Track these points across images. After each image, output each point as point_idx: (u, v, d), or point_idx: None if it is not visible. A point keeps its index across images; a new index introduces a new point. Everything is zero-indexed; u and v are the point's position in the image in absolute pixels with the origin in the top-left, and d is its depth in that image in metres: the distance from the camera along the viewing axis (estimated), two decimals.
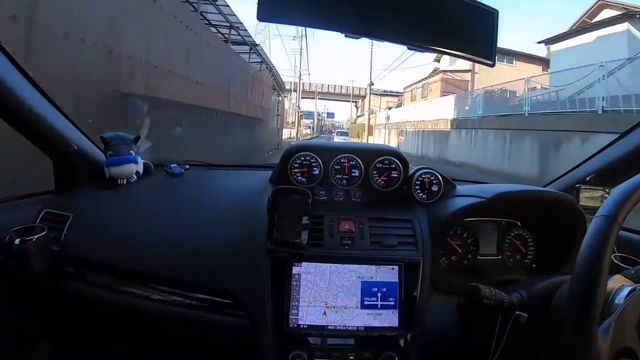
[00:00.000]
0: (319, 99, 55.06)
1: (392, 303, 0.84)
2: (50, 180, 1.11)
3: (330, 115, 74.05)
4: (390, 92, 41.93)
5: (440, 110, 15.74)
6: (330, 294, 0.83)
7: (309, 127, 48.88)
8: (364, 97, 44.96)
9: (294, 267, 0.83)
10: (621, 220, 0.55)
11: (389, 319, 0.83)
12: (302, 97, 48.10)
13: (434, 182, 1.03)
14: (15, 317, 1.01)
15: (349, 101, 56.93)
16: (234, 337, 0.89)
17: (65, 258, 0.96)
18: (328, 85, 52.17)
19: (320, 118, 70.46)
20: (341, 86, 52.61)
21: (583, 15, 14.29)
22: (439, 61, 22.83)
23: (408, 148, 17.71)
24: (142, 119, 4.52)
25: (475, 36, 0.74)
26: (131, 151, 1.15)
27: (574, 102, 8.52)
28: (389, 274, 0.85)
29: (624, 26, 11.50)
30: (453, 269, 0.99)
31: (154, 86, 5.49)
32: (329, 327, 0.82)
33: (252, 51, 12.76)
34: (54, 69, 3.12)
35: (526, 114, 9.88)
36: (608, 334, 0.54)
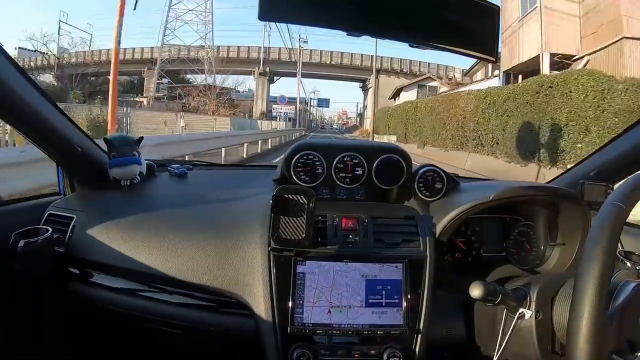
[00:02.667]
0: (305, 74, 35.43)
1: (397, 301, 0.84)
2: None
3: (324, 102, 53.41)
4: None
5: None
6: (334, 294, 0.83)
7: (290, 120, 33.16)
8: (388, 71, 31.44)
9: (298, 266, 0.83)
10: (630, 207, 0.56)
11: (394, 316, 0.83)
12: (280, 72, 35.13)
13: (437, 179, 1.03)
14: (19, 318, 1.01)
15: (354, 79, 38.39)
16: (239, 336, 0.89)
17: (70, 259, 0.97)
18: (320, 52, 33.98)
19: (307, 109, 50.33)
20: (341, 53, 34.31)
21: None
22: None
23: None
24: None
25: (477, 33, 0.74)
26: (134, 152, 1.15)
27: None
28: (393, 272, 0.85)
29: None
30: (457, 266, 0.99)
31: None
32: (334, 326, 0.82)
33: None
34: None
35: None
36: (613, 323, 0.54)
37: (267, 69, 34.76)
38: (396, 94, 27.91)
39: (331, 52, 34.77)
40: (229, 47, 34.47)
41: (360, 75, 36.38)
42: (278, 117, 33.04)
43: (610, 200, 0.56)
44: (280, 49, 34.74)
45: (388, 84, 31.06)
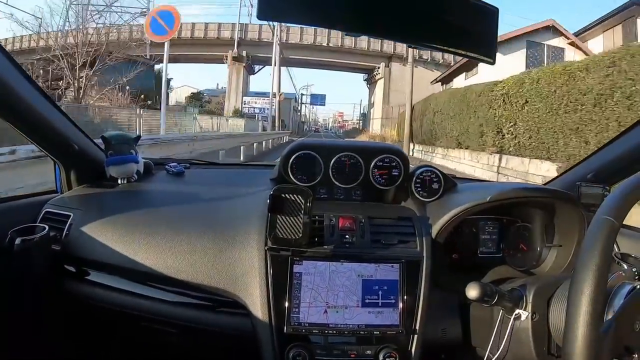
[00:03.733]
0: (294, 60, 26.21)
1: (393, 301, 0.84)
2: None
3: (318, 99, 41.31)
4: None
5: None
6: (330, 294, 0.83)
7: (262, 118, 22.16)
8: (402, 58, 21.66)
9: (294, 266, 0.83)
10: (621, 220, 0.55)
11: (390, 317, 0.83)
12: (262, 58, 24.96)
13: (435, 180, 1.03)
14: (17, 316, 1.01)
15: (357, 68, 29.01)
16: (235, 336, 0.89)
17: (66, 257, 0.96)
18: (315, 32, 24.36)
19: (297, 108, 40.47)
20: (342, 33, 10.68)
21: None
22: None
23: None
24: None
25: (476, 34, 0.74)
26: (132, 150, 1.15)
27: None
28: (389, 272, 0.85)
29: None
30: (454, 267, 0.99)
31: None
32: (330, 326, 0.82)
33: None
34: None
35: None
36: (609, 332, 0.54)
37: (244, 53, 25.65)
38: (461, 70, 15.68)
39: (328, 31, 22.15)
40: (193, 24, 25.36)
41: (367, 62, 26.40)
42: (256, 116, 23.24)
43: (600, 215, 0.56)
44: (261, 26, 24.12)
45: (405, 75, 19.46)
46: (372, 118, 30.95)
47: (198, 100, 25.10)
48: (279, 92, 22.95)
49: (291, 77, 31.62)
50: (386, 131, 22.20)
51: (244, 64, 26.48)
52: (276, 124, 22.29)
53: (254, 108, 26.03)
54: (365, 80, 33.19)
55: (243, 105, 26.17)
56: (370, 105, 31.80)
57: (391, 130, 21.10)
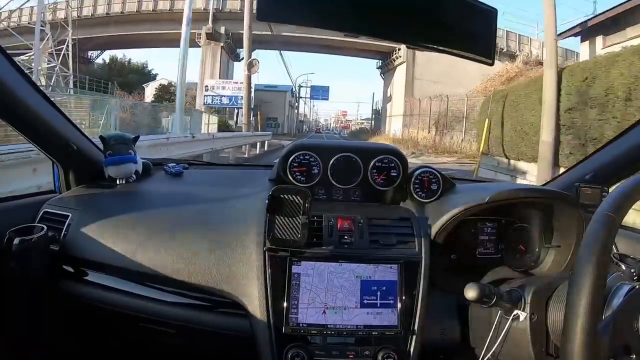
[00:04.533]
0: (289, 40, 20.27)
1: (392, 302, 0.84)
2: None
3: (319, 92, 35.09)
4: None
5: None
6: (329, 295, 0.83)
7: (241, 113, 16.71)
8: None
9: (293, 267, 0.83)
10: (621, 217, 0.55)
11: (389, 317, 0.83)
12: (239, 38, 16.28)
13: (433, 181, 1.03)
14: (16, 317, 1.00)
15: (369, 52, 23.12)
16: (233, 336, 0.89)
17: (65, 257, 0.96)
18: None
19: (294, 105, 33.41)
20: None
21: None
22: None
23: None
24: None
25: (475, 35, 0.74)
26: (130, 151, 1.15)
27: None
28: (388, 272, 0.85)
29: None
30: (452, 268, 0.99)
31: None
32: (329, 326, 0.82)
33: None
34: None
35: None
36: (607, 332, 0.54)
37: (223, 30, 19.69)
38: None
39: None
40: None
41: (382, 43, 18.79)
42: (236, 110, 17.30)
43: (601, 211, 0.56)
44: None
45: (430, 63, 16.41)
46: (388, 115, 24.27)
47: (167, 94, 20.72)
48: (249, 56, 13.15)
49: (286, 65, 24.77)
50: (412, 132, 16.31)
51: (221, 44, 20.20)
52: (244, 119, 14.21)
53: (221, 97, 17.38)
54: (379, 67, 26.12)
55: (205, 93, 17.49)
56: (386, 99, 24.59)
57: (419, 131, 15.77)
